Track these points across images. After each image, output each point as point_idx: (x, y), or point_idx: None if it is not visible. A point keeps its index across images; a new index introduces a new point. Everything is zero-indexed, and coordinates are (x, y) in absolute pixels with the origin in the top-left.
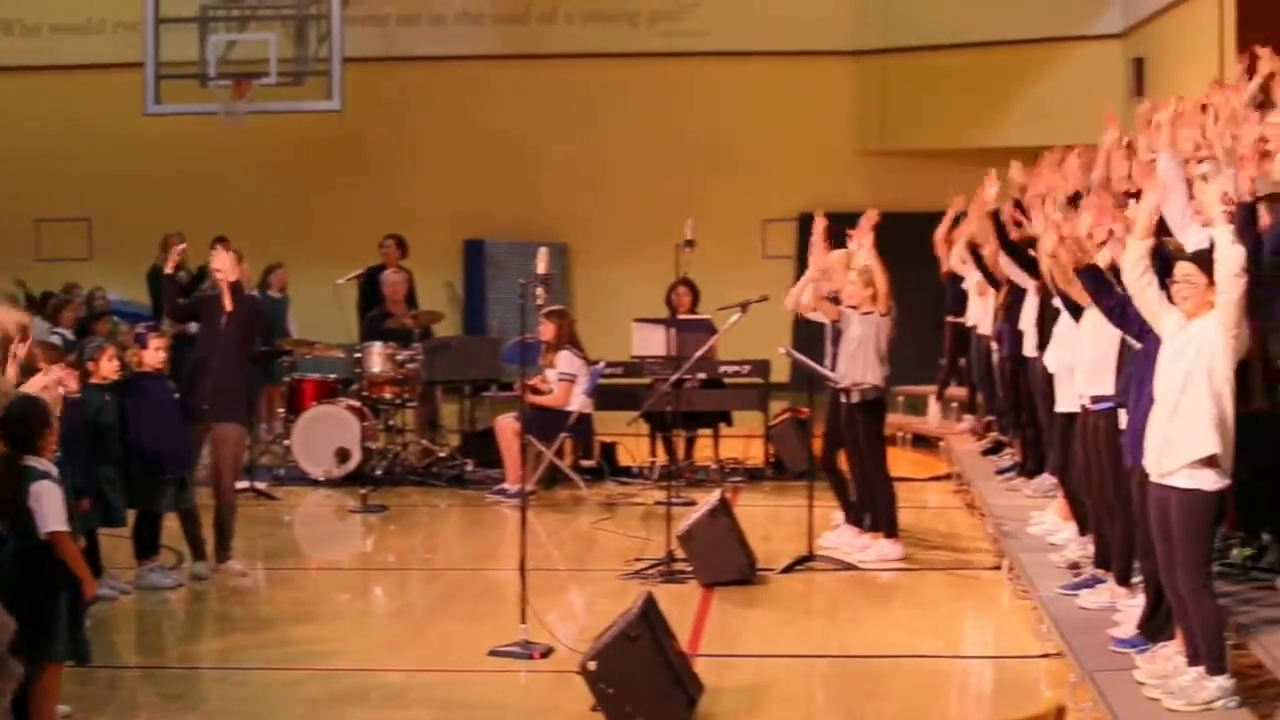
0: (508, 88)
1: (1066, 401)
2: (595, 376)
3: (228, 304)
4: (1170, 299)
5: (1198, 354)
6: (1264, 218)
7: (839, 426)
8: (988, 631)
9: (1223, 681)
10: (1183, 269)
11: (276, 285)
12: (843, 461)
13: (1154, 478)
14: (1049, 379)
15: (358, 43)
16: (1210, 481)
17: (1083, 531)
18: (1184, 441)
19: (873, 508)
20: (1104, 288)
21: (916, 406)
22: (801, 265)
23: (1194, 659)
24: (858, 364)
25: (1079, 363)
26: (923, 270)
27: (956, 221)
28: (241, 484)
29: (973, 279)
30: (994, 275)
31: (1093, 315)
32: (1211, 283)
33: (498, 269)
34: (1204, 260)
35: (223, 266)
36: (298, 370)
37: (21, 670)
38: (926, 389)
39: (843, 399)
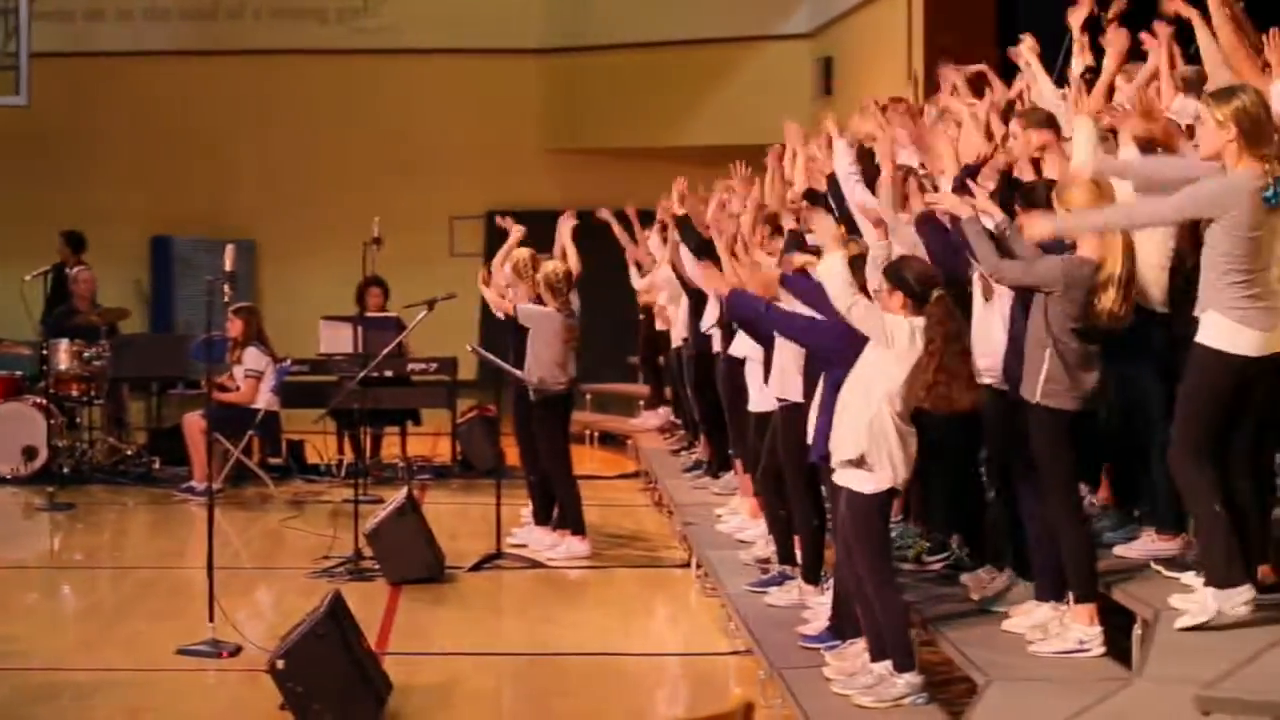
0: (196, 84)
1: (757, 401)
2: (282, 374)
3: None
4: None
5: (864, 358)
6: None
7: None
8: (677, 628)
9: (910, 678)
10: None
11: None
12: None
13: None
14: (736, 376)
15: (45, 37)
16: (866, 483)
17: (771, 529)
18: (841, 439)
19: (559, 505)
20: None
21: (604, 404)
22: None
23: (879, 655)
24: (540, 361)
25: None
26: (613, 267)
27: None
28: None
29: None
30: (683, 279)
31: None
32: (893, 289)
33: (185, 266)
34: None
35: None
36: None
37: None
38: (616, 386)
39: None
